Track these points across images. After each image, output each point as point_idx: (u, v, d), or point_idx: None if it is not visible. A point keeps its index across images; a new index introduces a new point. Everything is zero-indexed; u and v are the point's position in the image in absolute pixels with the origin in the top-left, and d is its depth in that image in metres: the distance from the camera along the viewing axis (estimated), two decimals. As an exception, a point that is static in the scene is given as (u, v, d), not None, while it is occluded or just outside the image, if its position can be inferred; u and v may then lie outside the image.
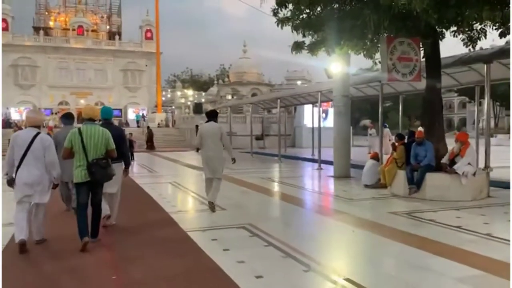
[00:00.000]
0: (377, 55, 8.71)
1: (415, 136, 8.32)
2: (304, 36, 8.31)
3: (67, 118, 7.00)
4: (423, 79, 8.54)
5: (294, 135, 32.41)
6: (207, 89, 58.34)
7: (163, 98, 53.28)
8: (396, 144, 9.18)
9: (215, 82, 55.53)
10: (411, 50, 8.05)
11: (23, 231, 4.71)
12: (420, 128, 8.94)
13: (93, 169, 4.84)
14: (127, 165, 5.96)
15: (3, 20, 44.50)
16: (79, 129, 5.01)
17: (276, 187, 10.60)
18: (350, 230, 5.84)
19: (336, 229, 6.09)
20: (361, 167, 10.64)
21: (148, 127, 33.31)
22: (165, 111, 49.92)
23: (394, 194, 8.43)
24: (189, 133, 34.47)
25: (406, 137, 9.33)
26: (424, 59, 8.36)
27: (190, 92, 38.12)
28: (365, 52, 8.65)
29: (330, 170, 12.71)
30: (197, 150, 7.47)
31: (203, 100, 47.14)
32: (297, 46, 8.67)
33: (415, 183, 7.90)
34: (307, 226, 6.41)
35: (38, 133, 4.89)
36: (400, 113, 13.90)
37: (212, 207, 6.93)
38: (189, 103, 42.17)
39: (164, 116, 42.48)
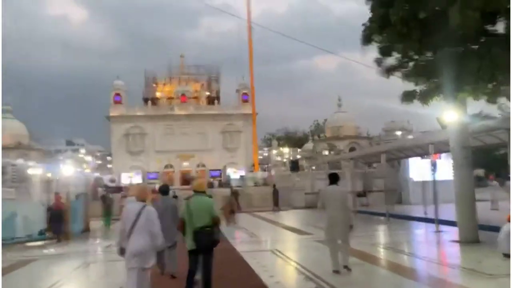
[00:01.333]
0: (503, 99, 7.38)
1: None
2: (416, 84, 7.35)
3: (163, 190, 8.00)
4: None
5: (400, 191, 29.93)
6: (302, 145, 58.11)
7: (260, 157, 54.05)
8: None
9: (310, 138, 55.18)
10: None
11: None
12: None
13: (198, 237, 5.36)
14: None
15: (118, 94, 49.80)
16: (188, 201, 5.74)
17: (393, 257, 9.20)
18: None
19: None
20: (488, 228, 8.91)
21: (231, 188, 32.08)
22: (262, 169, 50.33)
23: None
24: (287, 192, 33.80)
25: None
26: None
27: (285, 149, 37.99)
28: (487, 97, 7.38)
29: (451, 232, 10.97)
30: (319, 207, 7.46)
31: (298, 156, 46.72)
32: (408, 96, 7.71)
33: None
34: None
35: (144, 206, 5.46)
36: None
37: (347, 269, 7.06)
38: (285, 160, 41.97)
39: (261, 174, 42.63)
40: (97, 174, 32.51)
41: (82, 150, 58.50)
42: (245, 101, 51.95)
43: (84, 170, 30.66)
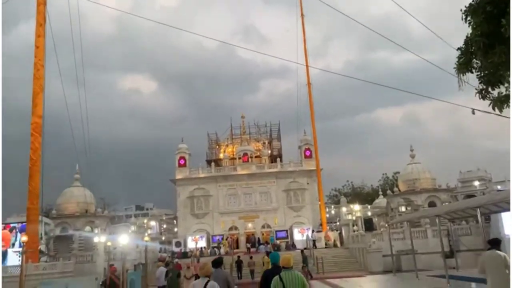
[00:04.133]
0: None
1: None
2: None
3: (217, 263, 7.97)
4: None
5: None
6: (371, 201, 54.42)
7: (327, 215, 51.12)
8: None
9: (380, 193, 51.65)
10: None
11: None
12: None
13: None
14: None
15: (182, 157, 50.38)
16: (279, 276, 6.17)
17: None
18: None
19: None
20: None
21: (301, 250, 29.68)
22: (330, 228, 47.25)
23: None
24: (361, 254, 30.70)
25: None
26: None
27: (356, 207, 35.21)
28: None
29: None
30: (479, 272, 7.82)
31: (369, 213, 43.40)
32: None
33: None
34: None
35: (207, 282, 6.27)
36: None
37: None
38: (353, 218, 38.86)
39: (332, 234, 39.71)
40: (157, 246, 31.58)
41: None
42: (308, 156, 50.30)
43: (144, 237, 30.05)
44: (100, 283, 14.21)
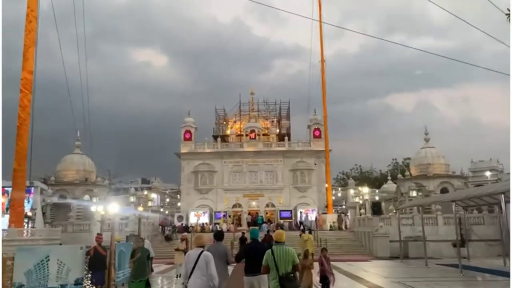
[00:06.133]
0: None
1: None
2: None
3: (219, 236, 8.33)
4: None
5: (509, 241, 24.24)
6: (379, 185, 53.03)
7: (333, 198, 49.99)
8: None
9: (389, 178, 50.30)
10: None
11: None
12: None
13: (283, 282, 6.24)
14: None
15: (188, 131, 49.20)
16: (271, 249, 6.65)
17: None
18: None
19: None
20: None
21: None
22: (336, 211, 46.17)
23: None
24: (367, 238, 29.60)
25: None
26: None
27: (365, 189, 33.87)
28: None
29: None
30: None
31: (376, 198, 42.15)
32: None
33: None
34: None
35: (202, 252, 6.69)
36: None
37: None
38: (361, 201, 37.59)
39: (336, 217, 38.60)
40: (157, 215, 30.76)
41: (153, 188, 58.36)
42: (317, 137, 48.81)
43: (138, 207, 29.09)
44: (85, 253, 13.16)
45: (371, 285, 12.97)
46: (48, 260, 11.34)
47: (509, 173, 42.83)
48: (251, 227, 38.42)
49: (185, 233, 22.27)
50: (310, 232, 27.38)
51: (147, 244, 15.61)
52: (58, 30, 19.84)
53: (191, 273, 6.48)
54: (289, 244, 7.31)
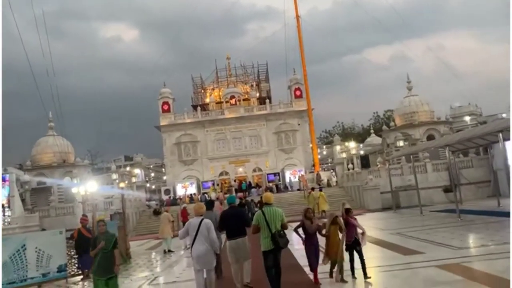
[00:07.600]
0: None
1: None
2: None
3: (209, 205, 9.64)
4: None
5: (496, 182, 24.01)
6: (362, 140, 52.95)
7: (319, 156, 49.73)
8: None
9: (372, 131, 50.17)
10: None
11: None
12: None
13: (276, 239, 6.94)
14: None
15: (166, 103, 47.69)
16: (262, 210, 7.34)
17: None
18: None
19: None
20: None
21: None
22: (322, 169, 45.99)
23: None
24: (357, 192, 29.40)
25: None
26: None
27: (352, 144, 33.43)
28: None
29: None
30: None
31: (362, 152, 42.01)
32: None
33: None
34: None
35: (202, 219, 7.30)
36: None
37: None
38: (345, 156, 37.26)
39: (325, 174, 38.31)
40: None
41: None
42: (298, 96, 47.99)
43: (128, 186, 28.12)
44: (69, 236, 12.32)
45: (370, 240, 12.50)
46: (25, 249, 10.50)
47: (489, 116, 43.19)
48: (233, 194, 38.14)
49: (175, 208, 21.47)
50: (320, 190, 27.08)
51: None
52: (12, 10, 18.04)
53: (194, 239, 7.07)
54: (278, 205, 7.92)
